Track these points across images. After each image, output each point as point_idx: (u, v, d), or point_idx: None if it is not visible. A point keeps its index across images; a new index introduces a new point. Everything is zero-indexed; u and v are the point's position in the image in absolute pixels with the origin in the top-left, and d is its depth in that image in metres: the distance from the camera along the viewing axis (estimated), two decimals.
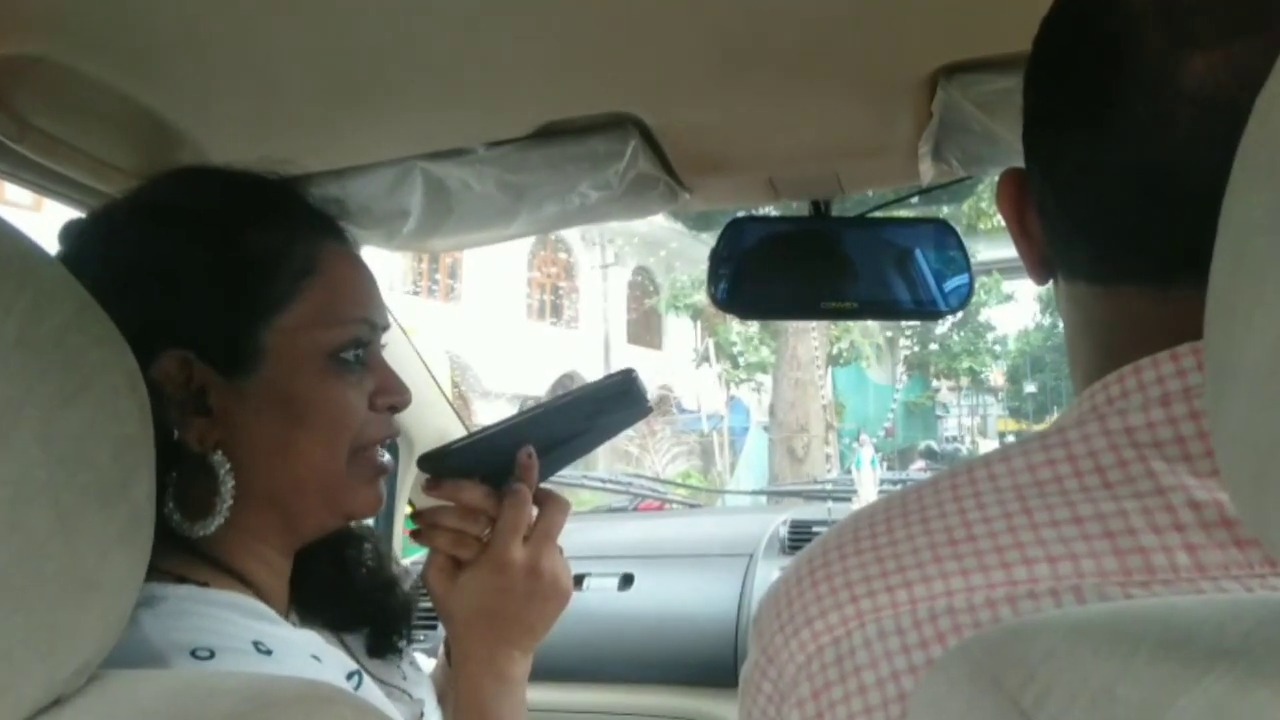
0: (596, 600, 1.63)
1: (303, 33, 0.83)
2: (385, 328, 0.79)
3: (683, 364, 16.00)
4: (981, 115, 0.94)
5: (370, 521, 1.41)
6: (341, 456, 0.72)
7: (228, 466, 0.69)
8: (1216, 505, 0.45)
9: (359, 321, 0.74)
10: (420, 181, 1.07)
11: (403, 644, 0.83)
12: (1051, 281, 0.59)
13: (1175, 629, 0.32)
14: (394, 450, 1.57)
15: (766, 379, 13.23)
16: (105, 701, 0.40)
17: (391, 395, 0.77)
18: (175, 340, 0.68)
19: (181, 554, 0.67)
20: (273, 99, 0.96)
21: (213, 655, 0.59)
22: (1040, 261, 0.58)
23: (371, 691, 0.70)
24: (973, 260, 1.27)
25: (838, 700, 0.48)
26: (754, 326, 12.95)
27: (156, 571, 0.65)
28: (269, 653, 0.62)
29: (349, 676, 0.68)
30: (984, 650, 0.34)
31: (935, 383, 17.38)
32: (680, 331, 16.75)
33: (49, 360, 0.39)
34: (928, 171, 1.12)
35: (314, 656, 0.66)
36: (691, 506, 3.09)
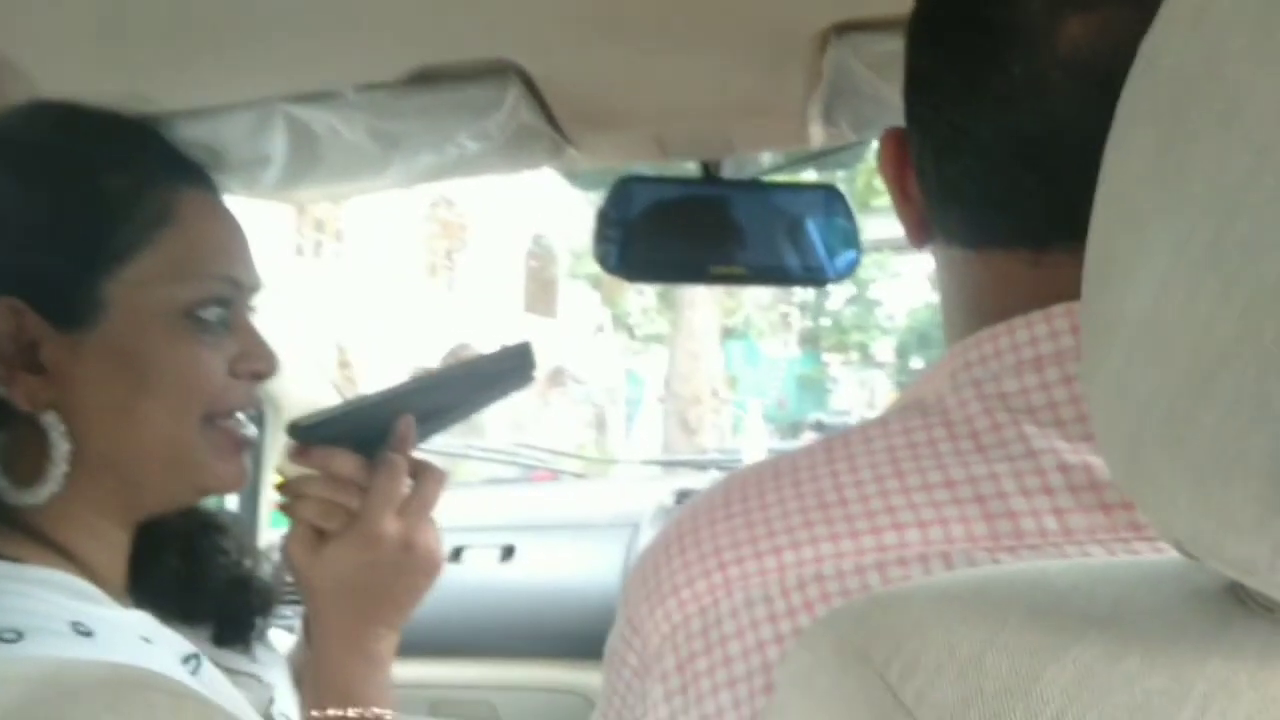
0: (476, 572, 1.60)
1: None
2: (255, 288, 0.73)
3: (579, 334, 15.98)
4: (872, 76, 0.93)
5: (235, 496, 1.34)
6: (191, 424, 0.67)
7: (62, 429, 0.64)
8: (1085, 469, 0.45)
9: (220, 278, 0.69)
10: (284, 125, 1.01)
11: (253, 637, 0.79)
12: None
13: (1045, 596, 0.31)
14: (260, 420, 1.50)
15: (662, 350, 13.32)
16: None
17: (256, 361, 0.72)
18: (6, 288, 0.62)
19: (7, 527, 0.62)
20: (118, 30, 0.89)
21: (21, 638, 0.54)
22: (919, 224, 0.57)
23: (211, 676, 0.65)
24: (864, 237, 1.28)
25: (702, 672, 0.47)
26: (651, 298, 12.99)
27: None
28: (89, 634, 0.57)
29: (185, 660, 0.63)
30: (850, 621, 0.33)
31: (826, 356, 17.79)
32: (577, 300, 16.70)
33: None
34: (818, 134, 1.12)
35: (143, 639, 0.61)
36: (582, 477, 3.08)
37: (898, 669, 0.30)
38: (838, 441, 0.52)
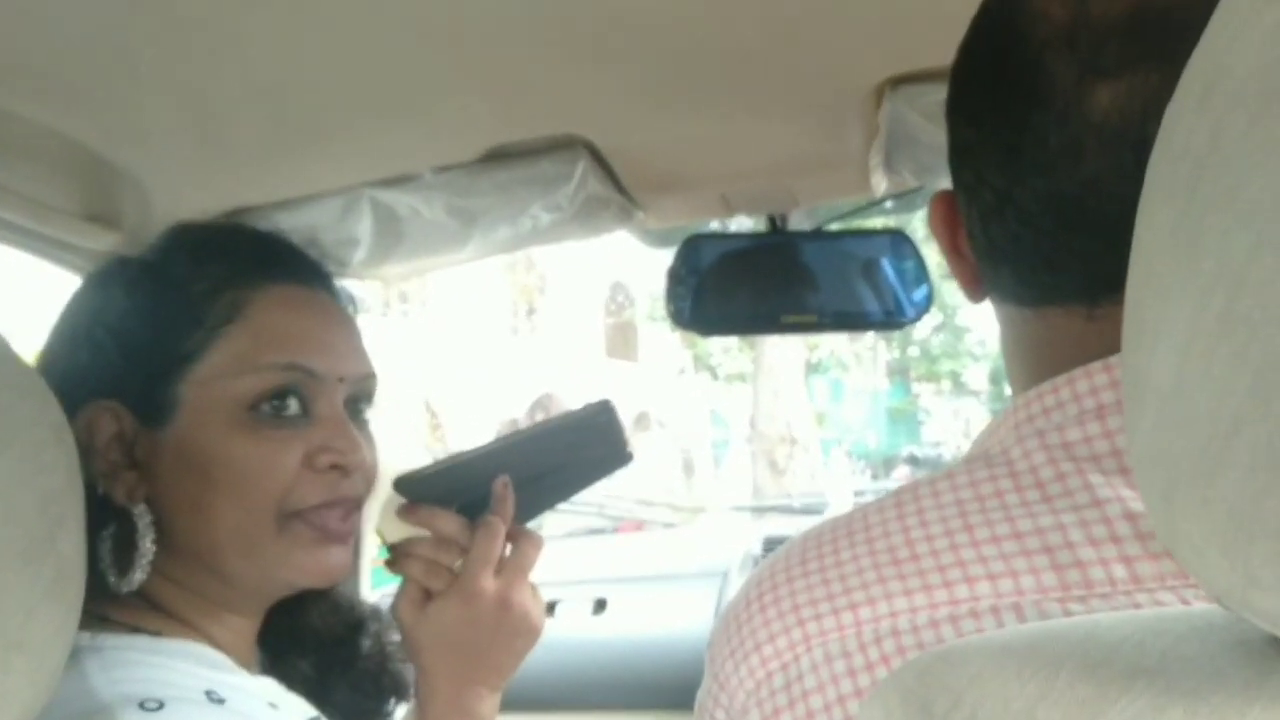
0: (569, 627, 1.63)
1: (243, 64, 0.84)
2: (344, 376, 0.73)
3: (662, 377, 16.01)
4: (929, 125, 0.96)
5: None
6: (263, 519, 0.69)
7: (148, 519, 0.68)
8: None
9: (284, 368, 0.70)
10: (369, 209, 1.08)
11: (376, 713, 0.82)
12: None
13: (1097, 648, 0.32)
14: None
15: (746, 389, 13.25)
16: None
17: (335, 453, 0.71)
18: (104, 392, 0.68)
19: (135, 604, 0.67)
20: (215, 132, 0.96)
21: (162, 707, 0.59)
22: (974, 281, 0.59)
23: None
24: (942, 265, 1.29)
25: None
26: (732, 338, 12.97)
27: (108, 622, 0.65)
28: (221, 701, 0.62)
29: None
30: (914, 676, 0.35)
31: (916, 387, 17.47)
32: (658, 344, 16.77)
33: None
34: (880, 183, 1.14)
35: (270, 704, 0.66)
36: (669, 525, 3.09)
37: None
38: (907, 495, 0.54)
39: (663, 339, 16.04)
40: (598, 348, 16.11)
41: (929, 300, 1.29)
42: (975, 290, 0.59)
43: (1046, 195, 0.50)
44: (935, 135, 0.97)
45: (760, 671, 0.52)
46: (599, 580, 1.76)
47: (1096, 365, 0.51)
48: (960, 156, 0.56)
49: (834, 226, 1.34)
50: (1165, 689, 0.30)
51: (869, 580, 0.50)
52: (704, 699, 0.57)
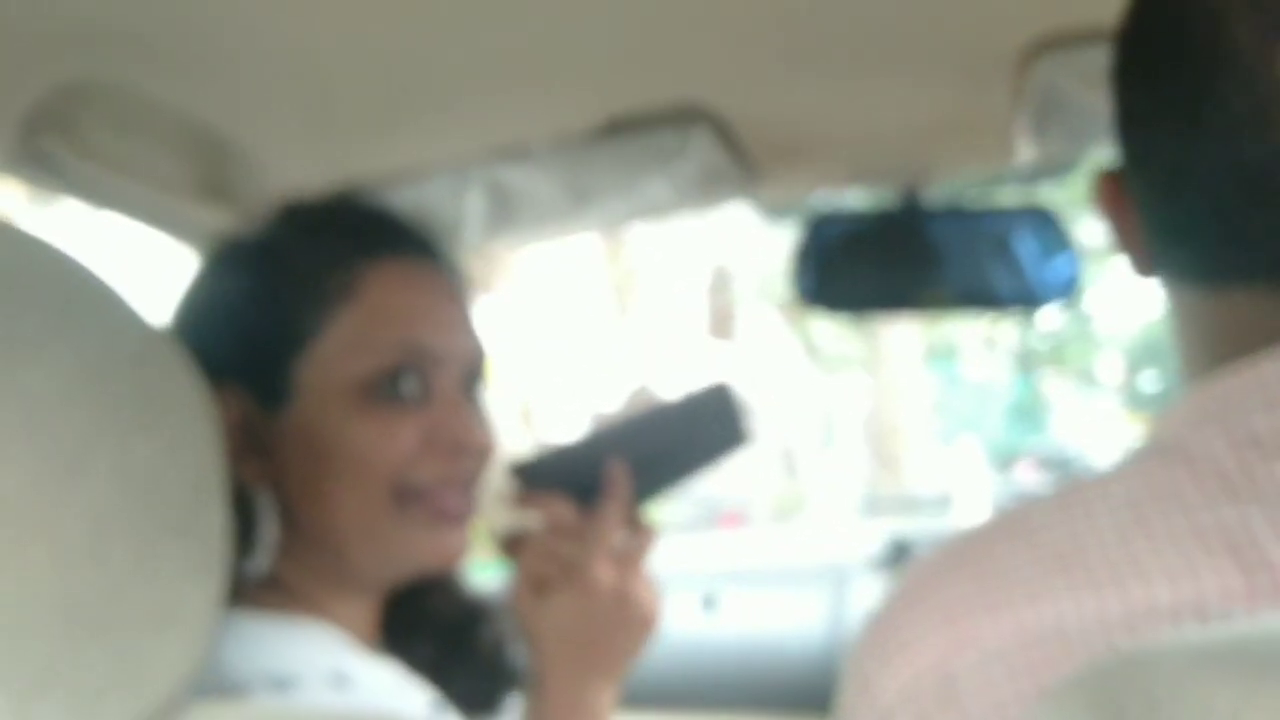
0: (678, 623, 1.65)
1: (354, 33, 0.86)
2: (460, 356, 0.75)
3: (766, 363, 15.92)
4: (1085, 90, 0.93)
5: None
6: (380, 501, 0.71)
7: (272, 504, 0.71)
8: None
9: (399, 348, 0.72)
10: (480, 184, 1.10)
11: (495, 711, 0.83)
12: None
13: None
14: None
15: (856, 378, 13.10)
16: None
17: (452, 433, 0.73)
18: (230, 376, 0.70)
19: (262, 586, 0.70)
20: (326, 104, 0.99)
21: (292, 684, 0.62)
22: (1145, 261, 0.58)
23: None
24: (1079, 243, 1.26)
25: None
26: (842, 322, 12.82)
27: (240, 598, 0.68)
28: (350, 681, 0.65)
29: (435, 707, 0.70)
30: (1101, 679, 0.35)
31: (1041, 379, 17.00)
32: (763, 329, 16.66)
33: (121, 390, 0.42)
34: (1027, 152, 1.11)
35: (395, 686, 0.68)
36: (776, 520, 3.09)
37: None
38: (1072, 491, 0.52)
39: (768, 323, 15.93)
40: (699, 334, 16.09)
41: (1074, 283, 1.25)
42: (1148, 270, 0.58)
43: (1229, 165, 0.49)
44: (1092, 101, 0.94)
45: (907, 671, 0.51)
46: (706, 575, 1.77)
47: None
48: (1129, 125, 0.55)
49: (968, 203, 1.32)
50: None
51: (1030, 578, 0.49)
52: (846, 703, 0.57)
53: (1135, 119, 0.55)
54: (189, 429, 0.44)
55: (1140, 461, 0.52)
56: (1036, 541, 0.50)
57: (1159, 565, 0.46)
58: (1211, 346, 0.54)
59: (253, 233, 0.79)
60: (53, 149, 0.93)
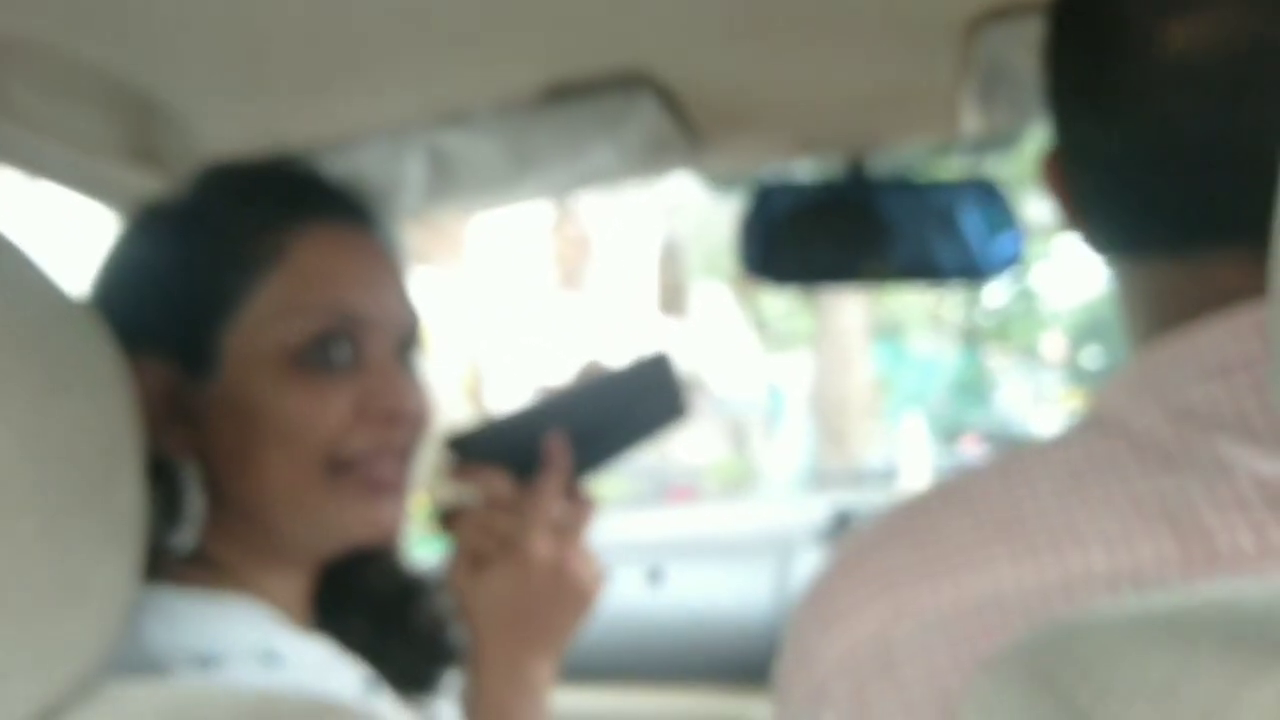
0: (623, 596, 1.64)
1: None
2: (390, 322, 0.74)
3: (714, 338, 15.98)
4: (1031, 62, 0.93)
5: None
6: (312, 471, 0.69)
7: (198, 476, 0.69)
8: None
9: (328, 312, 0.70)
10: (420, 151, 1.08)
11: (432, 688, 0.82)
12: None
13: (1241, 620, 0.31)
14: None
15: (804, 353, 13.20)
16: (100, 714, 0.41)
17: (384, 399, 0.71)
18: (153, 344, 0.68)
19: (188, 561, 0.68)
20: (259, 66, 0.96)
21: (218, 661, 0.60)
22: (1090, 237, 0.59)
23: (389, 702, 0.70)
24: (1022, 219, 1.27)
25: (874, 699, 0.48)
26: (791, 297, 12.89)
27: (163, 576, 0.66)
28: (278, 659, 0.63)
29: (367, 685, 0.69)
30: (1035, 648, 0.35)
31: (985, 355, 17.25)
32: (711, 303, 16.71)
33: (30, 357, 0.40)
34: (972, 122, 1.11)
35: (326, 664, 0.67)
36: (724, 494, 3.10)
37: (1088, 695, 0.31)
38: (1013, 460, 0.53)
39: (717, 298, 15.98)
40: (648, 307, 16.10)
41: (1017, 255, 1.26)
42: (1095, 247, 0.59)
43: (1130, 143, 0.51)
44: (1037, 73, 0.94)
45: (845, 641, 0.51)
46: (652, 548, 1.77)
47: (1218, 318, 0.49)
48: (1050, 104, 0.57)
49: (914, 175, 1.32)
50: None
51: (971, 547, 0.49)
52: (784, 670, 0.57)
53: (1053, 97, 0.57)
54: (101, 398, 0.42)
55: (1079, 432, 0.52)
56: (977, 510, 0.50)
57: (1096, 533, 0.47)
58: (1146, 315, 0.55)
59: (177, 197, 0.76)
60: None
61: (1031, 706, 0.33)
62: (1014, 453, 0.54)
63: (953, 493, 0.53)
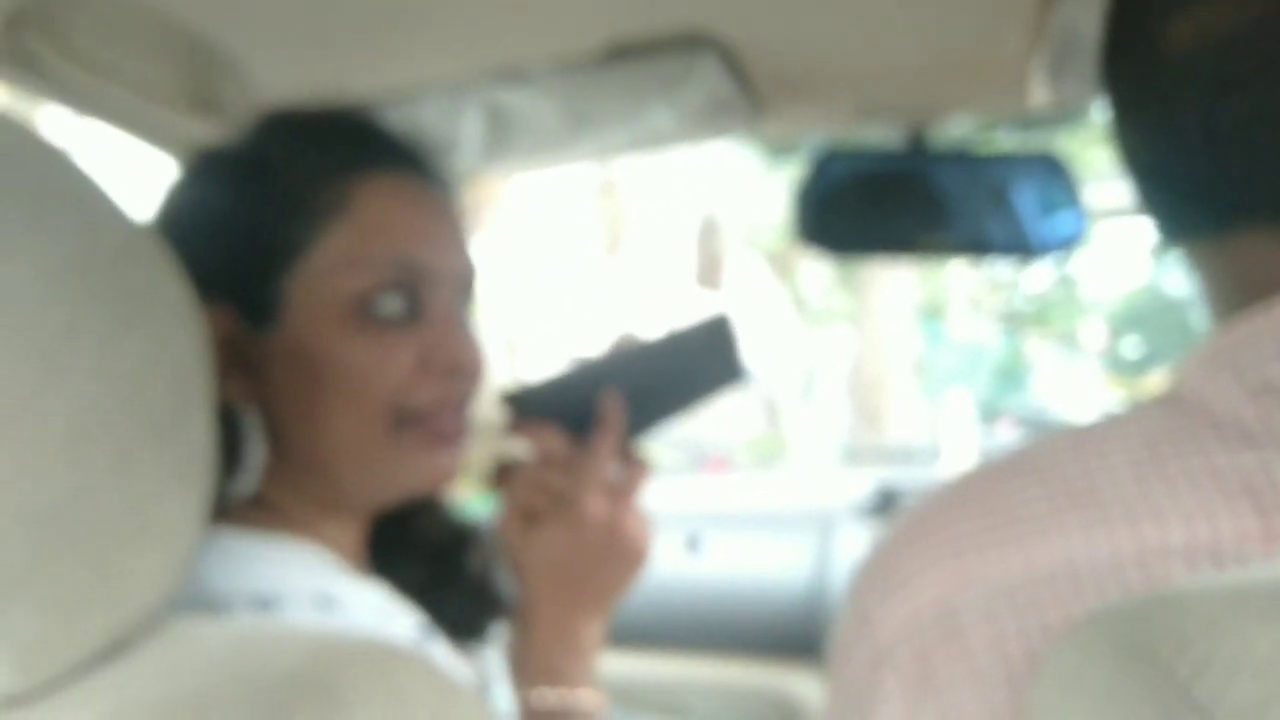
0: (661, 563, 1.65)
1: None
2: (455, 274, 0.73)
3: (750, 313, 15.93)
4: None
5: None
6: (376, 423, 0.69)
7: (259, 424, 0.69)
8: None
9: (394, 264, 0.69)
10: (478, 107, 1.07)
11: (482, 638, 0.82)
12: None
13: None
14: None
15: (842, 331, 13.12)
16: (166, 649, 0.41)
17: (448, 352, 0.71)
18: (214, 291, 0.67)
19: (249, 506, 0.69)
20: (323, 19, 0.96)
21: (276, 603, 0.60)
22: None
23: (443, 648, 0.71)
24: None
25: (941, 664, 0.48)
26: (829, 275, 12.82)
27: (225, 517, 0.66)
28: (336, 603, 0.63)
29: (421, 631, 0.69)
30: (1127, 619, 0.33)
31: (1024, 339, 17.08)
32: (748, 278, 16.65)
33: (103, 288, 0.39)
34: (1041, 95, 1.09)
35: (381, 609, 0.67)
36: (757, 467, 3.09)
37: (1187, 668, 0.30)
38: (1086, 430, 0.52)
39: (756, 273, 15.92)
40: (687, 281, 16.06)
41: (1079, 233, 1.24)
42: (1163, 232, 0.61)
43: (1164, 123, 0.53)
44: None
45: (908, 605, 0.50)
46: (690, 517, 1.76)
47: None
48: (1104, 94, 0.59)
49: (975, 147, 1.29)
50: None
51: (1040, 514, 0.48)
52: (843, 635, 0.56)
53: (1103, 89, 0.59)
54: (173, 331, 0.42)
55: (1156, 407, 0.51)
56: (1048, 478, 0.49)
57: (1174, 506, 0.46)
58: (1221, 296, 0.55)
59: (238, 143, 0.76)
60: (37, 48, 0.90)
61: (1123, 676, 0.32)
62: (1087, 425, 0.53)
63: (1023, 462, 0.52)
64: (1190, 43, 0.51)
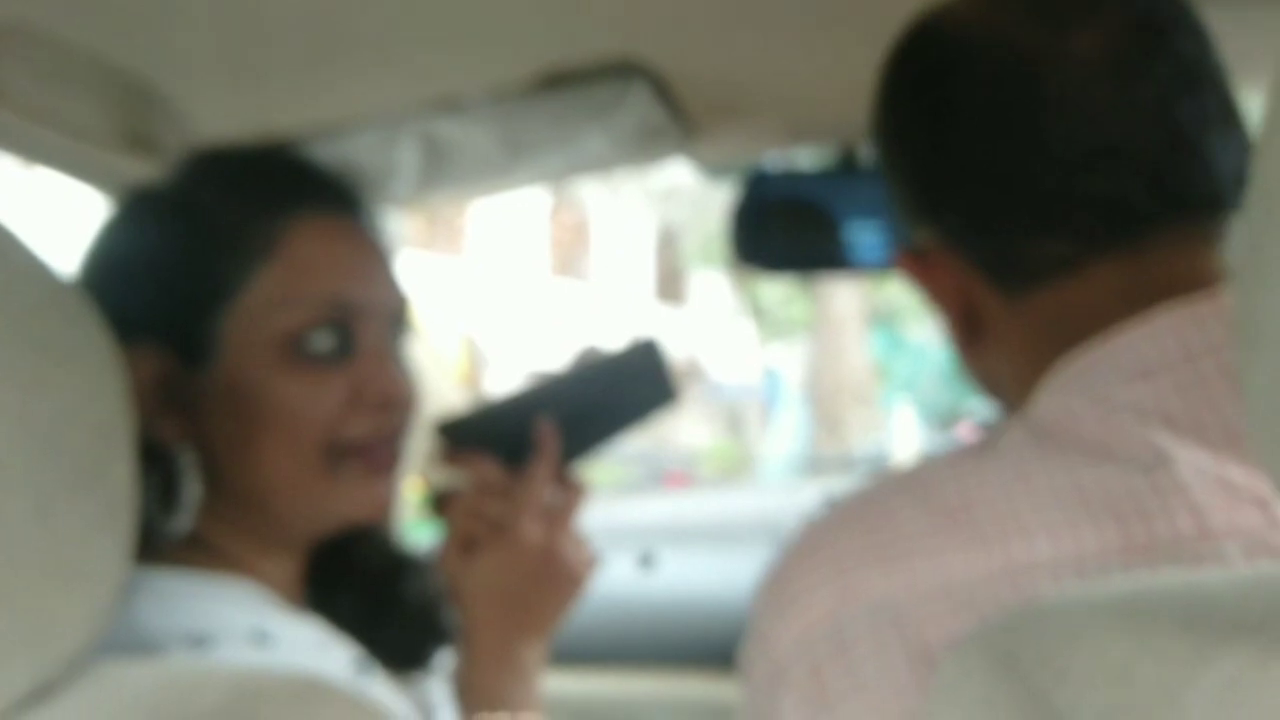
0: (613, 581, 1.66)
1: None
2: (383, 309, 0.75)
3: (712, 324, 15.99)
4: None
5: None
6: (312, 457, 0.71)
7: (194, 462, 0.70)
8: (1217, 473, 0.47)
9: (323, 302, 0.71)
10: (412, 138, 1.08)
11: (425, 667, 0.83)
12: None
13: (1194, 604, 0.33)
14: None
15: (801, 339, 13.20)
16: (92, 692, 0.42)
17: (379, 388, 0.73)
18: (146, 331, 0.69)
19: (183, 544, 0.70)
20: (252, 53, 0.97)
21: (210, 642, 0.61)
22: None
23: (380, 682, 0.72)
24: None
25: (830, 680, 0.50)
26: (788, 284, 12.90)
27: (160, 556, 0.67)
28: (270, 639, 0.64)
29: (358, 665, 0.70)
30: (998, 634, 0.36)
31: None
32: (709, 289, 16.71)
33: (21, 340, 0.40)
34: None
35: (318, 644, 0.68)
36: (719, 480, 3.11)
37: (1048, 678, 0.32)
38: (965, 453, 0.55)
39: (715, 286, 15.98)
40: (646, 294, 16.09)
41: None
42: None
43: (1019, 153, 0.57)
44: None
45: (799, 623, 0.52)
46: (646, 534, 1.78)
47: (1131, 323, 0.52)
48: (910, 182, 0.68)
49: None
50: (1270, 645, 0.30)
51: (920, 533, 0.51)
52: (746, 656, 0.58)
53: (921, 154, 0.67)
54: (92, 380, 0.43)
55: (1022, 429, 0.54)
56: (929, 498, 0.52)
57: (1040, 522, 0.48)
58: (1047, 342, 0.57)
59: (166, 182, 0.77)
60: None
61: (995, 689, 0.34)
62: (969, 446, 0.55)
63: (905, 482, 0.55)
64: (1084, 57, 0.57)
